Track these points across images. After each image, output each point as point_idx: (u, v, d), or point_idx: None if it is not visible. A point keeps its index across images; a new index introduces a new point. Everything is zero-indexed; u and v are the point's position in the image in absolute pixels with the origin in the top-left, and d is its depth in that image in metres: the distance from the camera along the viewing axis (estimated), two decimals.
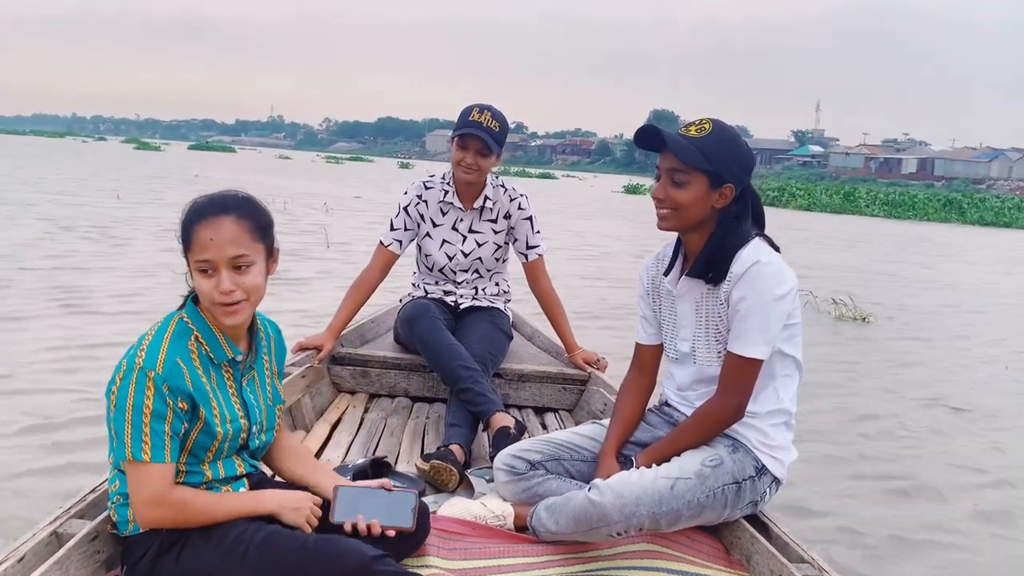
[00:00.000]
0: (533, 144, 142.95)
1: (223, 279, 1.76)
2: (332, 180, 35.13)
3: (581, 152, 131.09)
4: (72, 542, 1.77)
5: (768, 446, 2.24)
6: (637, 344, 2.50)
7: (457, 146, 3.31)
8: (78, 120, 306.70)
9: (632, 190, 44.84)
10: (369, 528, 1.90)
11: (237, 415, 1.86)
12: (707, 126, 2.16)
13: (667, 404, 2.47)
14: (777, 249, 2.23)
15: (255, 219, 1.83)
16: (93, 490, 1.98)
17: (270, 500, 1.88)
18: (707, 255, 2.20)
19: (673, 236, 2.33)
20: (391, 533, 1.93)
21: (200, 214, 1.78)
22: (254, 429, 1.93)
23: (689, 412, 2.33)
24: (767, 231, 2.29)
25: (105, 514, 1.86)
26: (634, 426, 2.45)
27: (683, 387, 2.39)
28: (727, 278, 2.16)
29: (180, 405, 1.73)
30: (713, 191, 2.16)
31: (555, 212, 22.59)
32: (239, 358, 1.89)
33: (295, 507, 1.89)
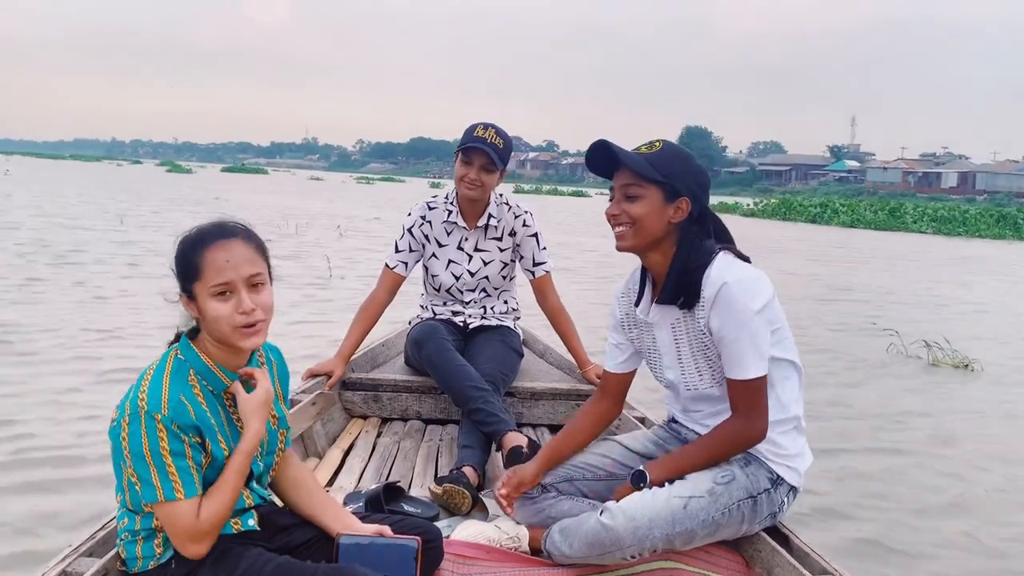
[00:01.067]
0: (564, 162, 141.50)
1: (244, 299, 1.75)
2: (356, 201, 35.07)
3: None
4: None
5: (780, 455, 2.19)
6: (607, 372, 2.48)
7: (461, 162, 3.30)
8: (117, 144, 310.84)
9: None
10: None
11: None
12: (658, 144, 2.19)
13: (674, 420, 2.44)
14: (747, 259, 2.19)
15: (258, 240, 1.84)
16: (102, 527, 1.97)
17: (250, 428, 1.82)
18: (673, 278, 2.16)
19: (637, 262, 2.30)
20: None
21: (207, 239, 1.77)
22: (261, 455, 1.91)
23: (696, 428, 2.30)
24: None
25: (114, 552, 1.84)
26: (574, 447, 2.45)
27: (686, 409, 2.36)
28: (700, 303, 2.12)
29: (194, 439, 1.73)
30: (668, 204, 2.13)
31: (581, 232, 22.35)
32: None
33: (262, 411, 1.85)
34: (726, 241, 2.23)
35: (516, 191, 66.28)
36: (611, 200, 2.21)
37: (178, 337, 1.86)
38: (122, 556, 1.82)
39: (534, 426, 3.54)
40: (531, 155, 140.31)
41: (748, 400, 2.11)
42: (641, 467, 2.20)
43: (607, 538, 2.05)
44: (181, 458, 1.69)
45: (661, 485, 2.15)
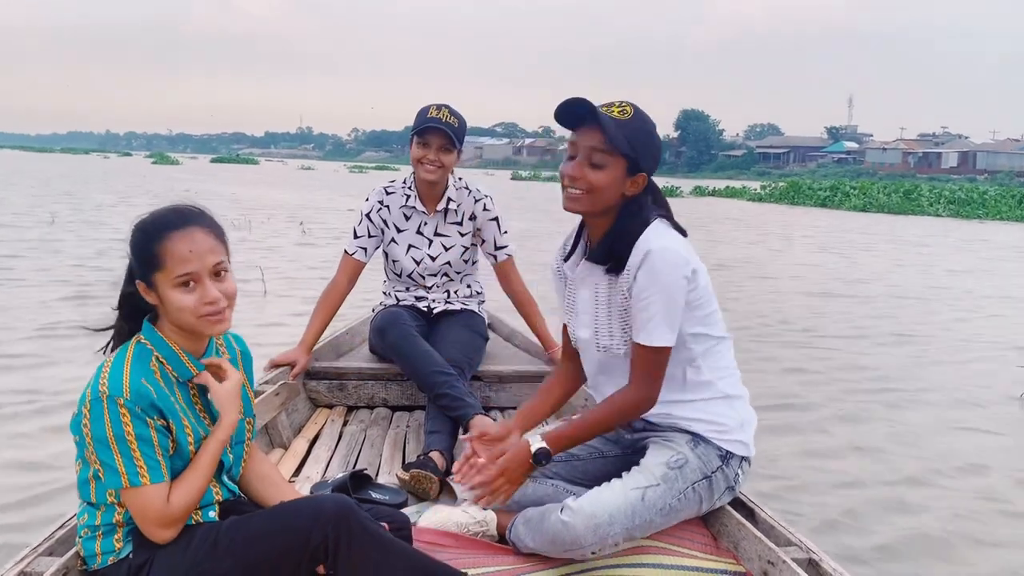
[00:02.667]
0: (561, 148, 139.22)
1: (208, 289, 1.73)
2: (338, 190, 33.75)
3: None
4: None
5: (724, 430, 2.20)
6: (563, 326, 2.45)
7: (418, 144, 3.27)
8: (111, 137, 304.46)
9: (700, 192, 43.84)
10: None
11: (201, 437, 1.81)
12: (628, 110, 2.11)
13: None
14: (683, 232, 2.19)
15: (217, 225, 1.81)
16: (61, 526, 1.93)
17: (226, 417, 1.82)
18: (608, 242, 2.15)
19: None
20: None
21: (167, 227, 1.73)
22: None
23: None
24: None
25: (73, 550, 1.81)
26: (549, 409, 2.46)
27: (590, 375, 2.35)
28: (627, 267, 2.11)
29: (159, 422, 1.70)
30: (628, 177, 2.11)
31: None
32: (202, 372, 1.84)
33: (237, 400, 1.86)
34: (667, 211, 2.22)
35: (514, 178, 65.40)
36: (569, 157, 2.14)
37: (127, 330, 1.82)
38: (81, 554, 1.79)
39: (501, 409, 3.54)
40: (527, 141, 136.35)
41: (646, 368, 2.11)
42: (540, 443, 2.13)
43: (567, 536, 2.04)
44: (147, 444, 1.67)
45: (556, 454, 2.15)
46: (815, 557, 1.98)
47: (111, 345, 1.83)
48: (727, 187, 48.04)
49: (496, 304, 4.01)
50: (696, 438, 2.20)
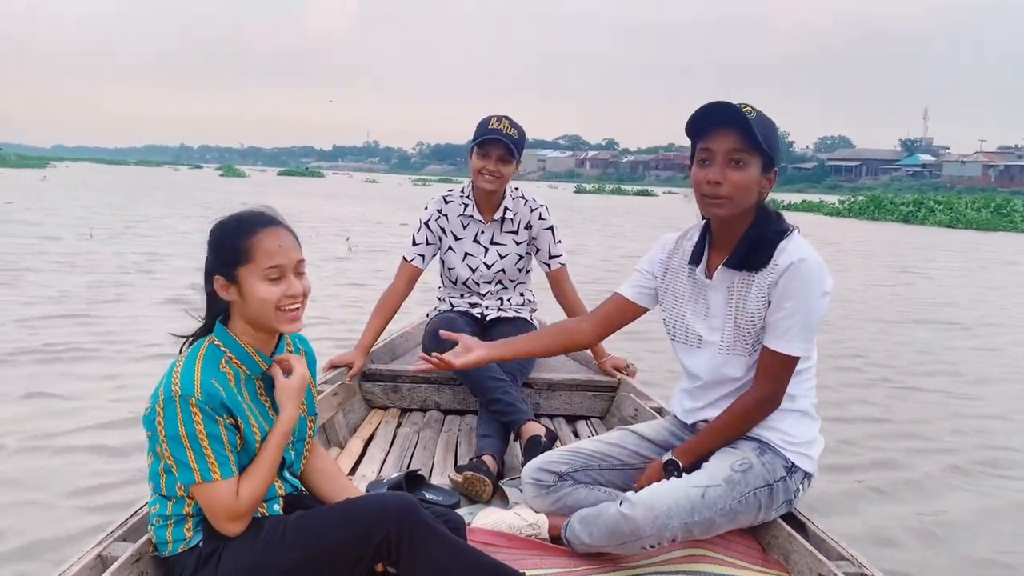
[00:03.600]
0: (625, 160, 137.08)
1: (294, 283, 1.83)
2: (398, 204, 33.22)
3: (675, 167, 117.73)
4: (116, 564, 1.80)
5: (794, 443, 2.22)
6: (617, 294, 2.46)
7: (478, 155, 3.34)
8: (186, 150, 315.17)
9: (774, 206, 42.24)
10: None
11: (266, 431, 1.88)
12: (751, 109, 2.09)
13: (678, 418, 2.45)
14: None
15: (294, 230, 1.91)
16: (134, 513, 2.02)
17: (285, 411, 1.88)
18: (747, 245, 2.16)
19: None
20: None
21: (256, 224, 1.84)
22: (293, 439, 1.96)
23: (703, 416, 2.32)
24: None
25: (146, 537, 1.89)
26: (536, 352, 2.54)
27: (698, 378, 2.32)
28: (768, 268, 2.13)
29: (229, 420, 1.78)
30: (764, 175, 2.13)
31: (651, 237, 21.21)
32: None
33: (298, 396, 1.91)
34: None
35: (578, 191, 64.59)
36: (703, 164, 2.13)
37: (203, 331, 1.90)
38: (153, 541, 1.87)
39: (551, 416, 3.58)
40: (590, 154, 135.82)
41: (775, 372, 2.15)
42: (669, 455, 2.22)
43: (627, 528, 2.07)
44: (217, 441, 1.74)
45: (691, 470, 2.19)
46: (867, 572, 1.97)
47: (188, 341, 1.91)
48: (803, 201, 46.58)
49: (548, 313, 4.05)
50: (764, 446, 2.22)
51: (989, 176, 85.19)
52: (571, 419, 3.58)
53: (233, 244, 1.82)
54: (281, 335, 1.95)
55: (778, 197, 48.96)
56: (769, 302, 2.14)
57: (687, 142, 2.19)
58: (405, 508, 1.78)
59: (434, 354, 2.39)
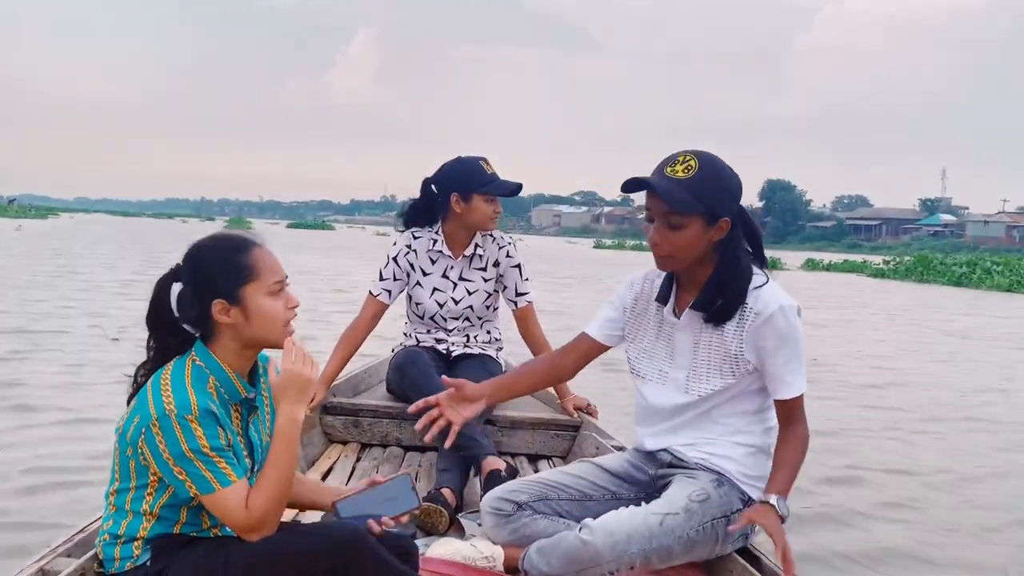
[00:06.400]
0: (641, 216, 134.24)
1: (290, 296, 1.85)
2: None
3: None
4: None
5: (751, 477, 2.26)
6: (585, 334, 2.50)
7: (486, 200, 3.42)
8: (206, 203, 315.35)
9: (813, 265, 39.34)
10: (382, 523, 1.93)
11: (243, 456, 1.85)
12: (692, 163, 2.11)
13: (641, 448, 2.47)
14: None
15: None
16: (81, 530, 1.99)
17: (291, 404, 1.83)
18: (712, 290, 2.21)
19: None
20: (404, 519, 2.00)
21: (249, 244, 1.84)
22: (256, 468, 1.92)
23: (670, 440, 2.35)
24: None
25: (92, 552, 1.86)
26: (523, 389, 2.62)
27: (648, 415, 2.39)
28: (744, 315, 2.19)
29: (227, 434, 1.77)
30: (710, 228, 2.16)
31: None
32: (250, 396, 1.88)
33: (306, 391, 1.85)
34: (756, 244, 2.27)
35: (597, 246, 64.29)
36: (648, 221, 2.20)
37: (174, 347, 1.84)
38: (100, 557, 1.83)
39: (513, 455, 3.56)
40: (606, 209, 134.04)
41: (796, 411, 2.23)
42: (772, 498, 2.14)
43: (586, 553, 2.07)
44: (223, 452, 1.72)
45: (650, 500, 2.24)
46: None
47: (151, 363, 1.83)
48: (845, 260, 43.06)
49: (512, 351, 4.05)
50: (721, 478, 2.25)
51: (1014, 237, 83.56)
52: (533, 458, 3.57)
53: (237, 262, 1.80)
54: (255, 361, 1.91)
55: (797, 255, 46.73)
56: (756, 346, 2.19)
57: None
58: (352, 537, 1.76)
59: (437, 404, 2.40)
